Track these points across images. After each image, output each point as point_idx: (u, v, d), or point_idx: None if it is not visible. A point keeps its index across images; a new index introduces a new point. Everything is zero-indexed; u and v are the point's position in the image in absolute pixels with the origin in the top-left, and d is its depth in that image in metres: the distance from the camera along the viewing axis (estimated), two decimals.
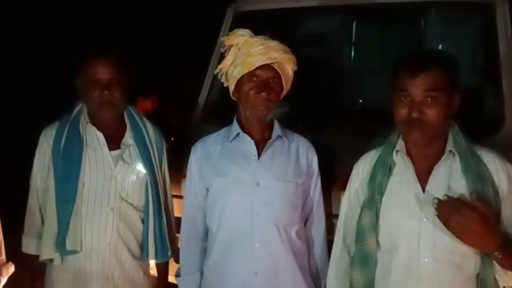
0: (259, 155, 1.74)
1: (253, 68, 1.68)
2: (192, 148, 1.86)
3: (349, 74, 3.04)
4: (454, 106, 1.47)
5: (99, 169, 1.85)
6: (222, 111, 2.01)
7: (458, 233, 1.33)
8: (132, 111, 1.99)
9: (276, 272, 1.70)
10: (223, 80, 1.82)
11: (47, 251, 1.82)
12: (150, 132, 1.99)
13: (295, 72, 1.80)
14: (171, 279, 2.17)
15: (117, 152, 1.89)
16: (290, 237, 1.73)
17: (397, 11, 2.74)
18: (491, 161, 1.47)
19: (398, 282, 1.48)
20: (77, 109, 1.93)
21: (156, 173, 1.94)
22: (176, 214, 2.06)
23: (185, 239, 1.86)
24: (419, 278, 1.44)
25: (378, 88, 1.96)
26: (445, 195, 1.36)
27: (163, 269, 2.04)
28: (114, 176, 1.86)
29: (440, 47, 2.79)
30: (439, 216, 1.34)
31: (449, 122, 1.50)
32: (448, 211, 1.32)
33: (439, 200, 1.35)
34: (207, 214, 1.80)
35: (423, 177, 1.48)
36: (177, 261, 1.96)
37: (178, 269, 1.89)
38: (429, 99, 1.42)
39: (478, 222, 1.30)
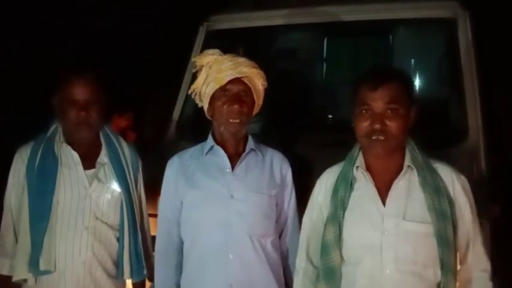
0: (233, 168, 1.77)
1: (224, 82, 1.74)
2: (169, 162, 1.88)
3: (321, 88, 3.11)
4: (411, 119, 1.54)
5: (73, 188, 1.85)
6: (197, 127, 2.05)
7: None
8: (108, 130, 2.00)
9: (251, 283, 1.72)
10: (197, 100, 1.86)
11: (20, 272, 1.80)
12: (126, 151, 2.00)
13: (267, 88, 1.85)
14: None
15: (92, 171, 1.90)
16: (264, 249, 1.76)
17: (366, 28, 2.83)
18: (447, 174, 1.54)
19: None
20: (52, 128, 1.93)
21: (132, 192, 1.94)
22: (152, 233, 2.05)
23: (160, 254, 1.86)
24: None
25: (349, 101, 2.02)
26: None
27: (139, 287, 2.03)
28: (89, 195, 1.86)
29: (408, 61, 2.89)
30: None
31: (407, 136, 1.56)
32: None
33: None
34: (182, 227, 1.82)
35: (383, 191, 1.53)
36: (151, 280, 1.96)
37: (153, 285, 1.89)
38: (389, 111, 1.49)
39: None
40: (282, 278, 1.84)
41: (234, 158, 1.80)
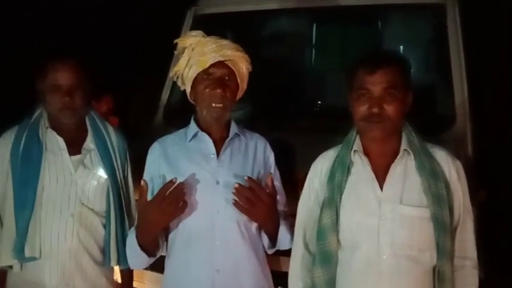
0: (217, 154, 1.76)
1: (207, 65, 1.70)
2: (150, 149, 1.84)
3: (310, 74, 3.10)
4: (408, 104, 1.54)
5: (58, 174, 1.83)
6: (184, 112, 2.01)
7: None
8: (94, 115, 1.98)
9: (237, 268, 1.71)
10: (179, 83, 1.83)
11: (5, 258, 1.78)
12: (113, 137, 1.97)
13: (255, 74, 1.82)
14: (136, 285, 2.16)
15: (77, 156, 1.87)
16: (251, 234, 1.74)
17: (355, 13, 2.81)
18: (443, 158, 1.54)
19: (359, 279, 1.52)
20: (36, 113, 1.90)
21: (118, 178, 1.93)
22: None
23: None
24: (380, 273, 1.48)
25: (338, 88, 2.01)
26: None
27: (127, 275, 2.03)
28: (74, 181, 1.84)
29: (397, 47, 2.88)
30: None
31: (403, 121, 1.56)
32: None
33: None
34: None
35: (380, 176, 1.53)
36: None
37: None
38: (387, 95, 1.48)
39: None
40: (266, 263, 1.82)
41: (217, 144, 1.77)
